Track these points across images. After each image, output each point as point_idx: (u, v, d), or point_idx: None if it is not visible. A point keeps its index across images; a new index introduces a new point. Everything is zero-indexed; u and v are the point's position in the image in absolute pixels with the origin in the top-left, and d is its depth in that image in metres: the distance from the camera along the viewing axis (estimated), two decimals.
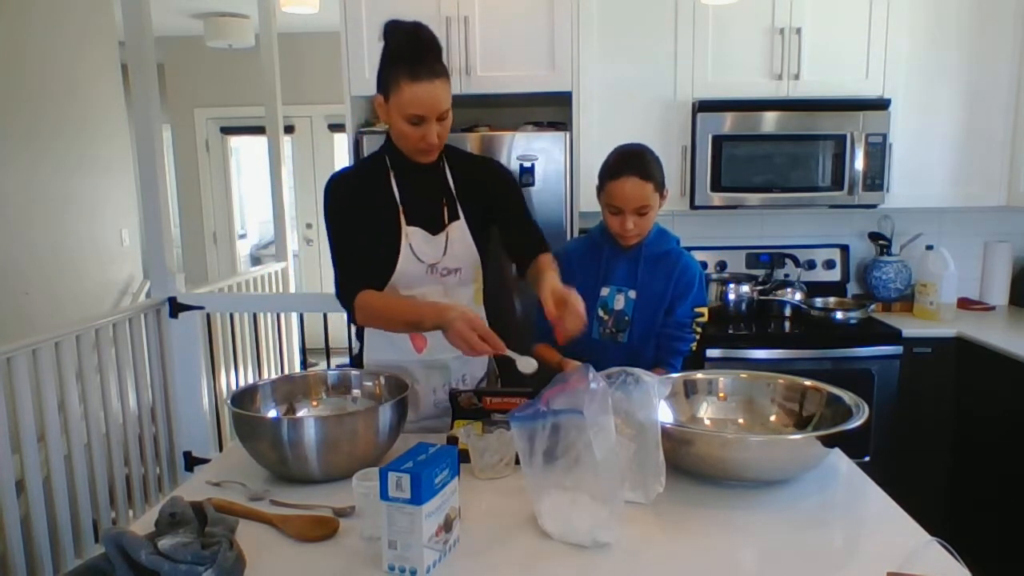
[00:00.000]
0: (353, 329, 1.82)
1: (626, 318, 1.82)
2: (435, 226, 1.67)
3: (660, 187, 1.74)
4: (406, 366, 1.71)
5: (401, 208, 1.65)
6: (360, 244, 1.64)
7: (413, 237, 1.64)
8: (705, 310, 1.87)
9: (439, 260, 1.66)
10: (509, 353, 1.44)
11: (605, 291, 1.83)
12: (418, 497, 1.02)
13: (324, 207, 1.65)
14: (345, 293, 1.62)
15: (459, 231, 1.68)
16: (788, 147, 2.78)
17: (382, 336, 1.70)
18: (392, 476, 1.03)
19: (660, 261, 1.83)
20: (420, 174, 1.66)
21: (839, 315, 2.84)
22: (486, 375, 1.85)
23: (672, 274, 1.82)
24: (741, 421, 1.55)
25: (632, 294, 1.81)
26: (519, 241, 1.73)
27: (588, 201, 2.55)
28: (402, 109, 1.53)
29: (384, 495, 1.04)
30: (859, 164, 2.77)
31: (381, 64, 1.57)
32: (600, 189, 1.78)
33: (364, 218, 1.64)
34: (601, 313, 1.84)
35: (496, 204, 1.73)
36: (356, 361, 1.82)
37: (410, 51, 1.53)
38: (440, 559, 1.08)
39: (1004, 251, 3.10)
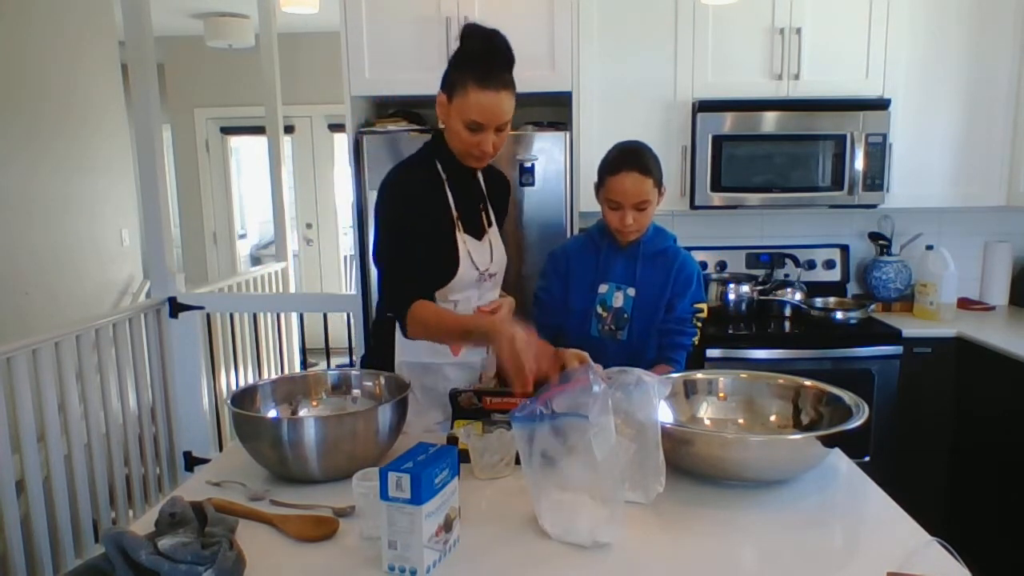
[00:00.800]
0: (354, 330, 1.82)
1: (625, 315, 1.83)
2: (479, 232, 1.70)
3: (659, 183, 1.76)
4: (440, 367, 1.70)
5: (456, 216, 1.65)
6: (419, 252, 1.58)
7: (470, 245, 1.65)
8: (704, 306, 1.89)
9: (488, 266, 1.69)
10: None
11: (603, 288, 1.84)
12: (418, 497, 1.02)
13: (384, 206, 1.60)
14: (398, 302, 1.58)
15: (496, 237, 1.73)
16: (788, 147, 2.78)
17: None
18: (392, 476, 1.03)
19: (658, 258, 1.84)
20: (465, 181, 1.69)
21: (839, 315, 2.84)
22: (498, 375, 1.86)
23: (670, 271, 1.84)
24: (741, 421, 1.55)
25: (631, 291, 1.83)
26: None
27: (588, 201, 2.55)
28: (463, 113, 1.53)
29: (384, 495, 1.04)
30: (859, 164, 2.77)
31: (451, 63, 1.57)
32: (599, 185, 1.80)
33: (425, 225, 1.60)
34: (600, 310, 1.85)
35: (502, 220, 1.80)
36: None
37: (483, 57, 1.53)
38: (440, 559, 1.08)
39: (1004, 251, 3.10)
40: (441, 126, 1.63)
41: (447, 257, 1.63)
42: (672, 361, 1.82)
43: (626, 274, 1.84)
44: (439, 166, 1.65)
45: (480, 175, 1.74)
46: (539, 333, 1.86)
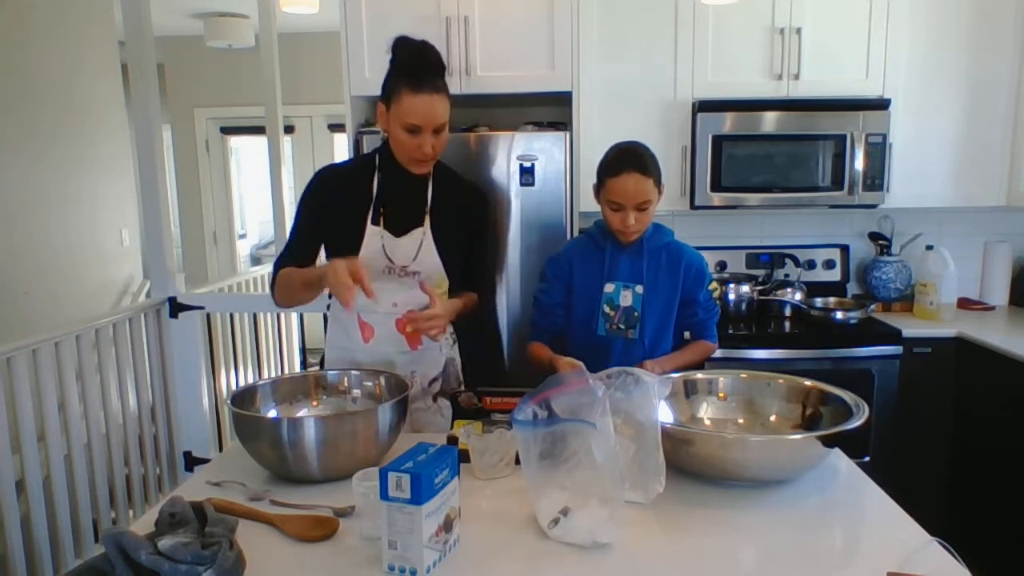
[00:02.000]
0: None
1: (635, 313, 1.83)
2: (399, 229, 1.74)
3: (658, 182, 1.77)
4: (356, 356, 1.78)
5: (372, 207, 1.73)
6: (313, 238, 1.75)
7: (374, 236, 1.72)
8: (715, 284, 1.94)
9: (397, 261, 1.73)
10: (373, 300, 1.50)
11: (610, 287, 1.85)
12: (418, 497, 1.02)
13: (304, 190, 1.76)
14: (275, 272, 1.75)
15: (421, 237, 1.75)
16: (788, 147, 2.78)
17: (338, 325, 1.80)
18: (392, 476, 1.03)
19: (662, 254, 1.86)
20: (403, 179, 1.74)
21: (839, 315, 2.84)
22: (442, 376, 1.85)
23: (678, 269, 1.86)
24: (741, 421, 1.55)
25: (639, 289, 1.84)
26: (465, 274, 1.84)
27: (588, 201, 2.54)
28: (401, 118, 1.63)
29: (384, 495, 1.04)
30: (859, 164, 2.77)
31: (387, 75, 1.68)
32: (599, 187, 1.80)
33: (332, 216, 1.74)
34: (607, 309, 1.85)
35: (462, 237, 1.82)
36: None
37: (415, 65, 1.64)
38: (440, 559, 1.08)
39: (1004, 251, 3.10)
40: (384, 135, 1.73)
41: (350, 242, 1.71)
42: (710, 337, 1.92)
43: (632, 272, 1.85)
44: (377, 160, 1.76)
45: (431, 183, 1.77)
46: (540, 336, 1.88)
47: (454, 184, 1.83)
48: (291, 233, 1.78)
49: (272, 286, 1.74)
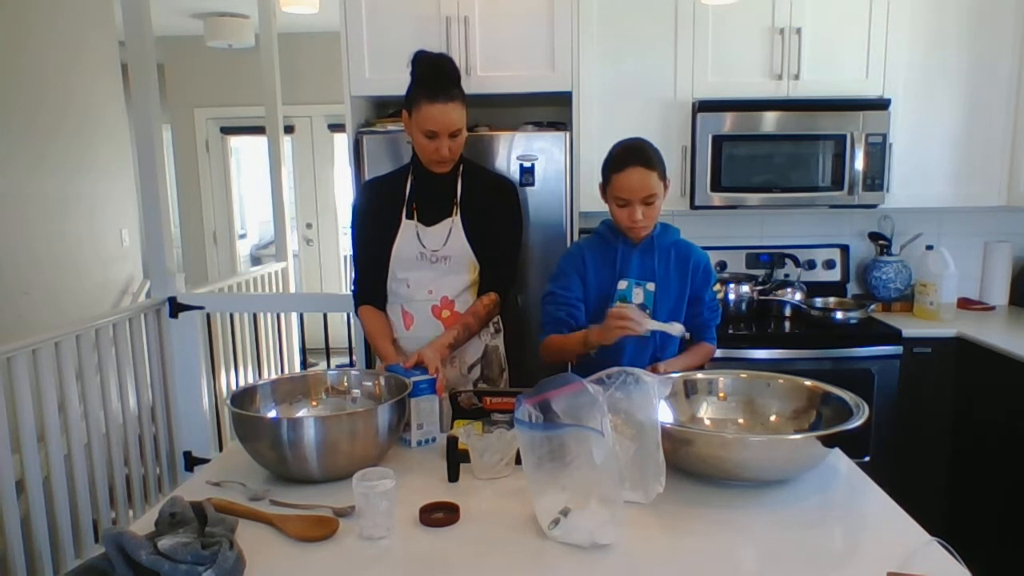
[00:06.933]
0: (354, 330, 2.06)
1: (647, 310, 1.84)
2: (430, 219, 1.92)
3: (663, 176, 1.78)
4: (400, 344, 1.96)
5: (405, 204, 1.93)
6: (370, 250, 1.95)
7: (408, 227, 1.92)
8: (718, 284, 1.95)
9: (428, 246, 1.91)
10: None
11: (622, 284, 1.86)
12: (433, 388, 1.54)
13: (352, 205, 2.04)
14: (355, 296, 2.01)
15: (450, 226, 1.91)
16: (788, 147, 2.78)
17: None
18: (415, 379, 1.55)
19: (671, 252, 1.88)
20: (433, 178, 1.93)
21: (839, 315, 2.84)
22: (482, 362, 1.94)
23: (687, 267, 1.88)
24: (741, 421, 1.55)
25: (650, 286, 1.85)
26: (484, 268, 1.95)
27: (588, 201, 2.54)
28: (420, 125, 1.81)
29: (414, 394, 1.51)
30: (859, 164, 2.77)
31: (409, 85, 1.86)
32: (605, 184, 1.81)
33: (378, 223, 1.94)
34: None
35: (490, 227, 1.94)
36: None
37: (432, 76, 1.81)
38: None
39: (1004, 251, 3.10)
40: (408, 140, 1.92)
41: (390, 235, 1.92)
42: (710, 339, 1.94)
43: (644, 270, 1.85)
44: (412, 165, 1.96)
45: (460, 179, 1.94)
46: (558, 330, 1.86)
47: (481, 178, 1.98)
48: (354, 248, 1.99)
49: (355, 309, 2.00)
